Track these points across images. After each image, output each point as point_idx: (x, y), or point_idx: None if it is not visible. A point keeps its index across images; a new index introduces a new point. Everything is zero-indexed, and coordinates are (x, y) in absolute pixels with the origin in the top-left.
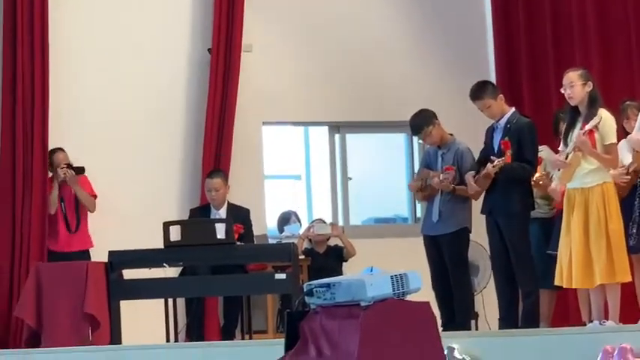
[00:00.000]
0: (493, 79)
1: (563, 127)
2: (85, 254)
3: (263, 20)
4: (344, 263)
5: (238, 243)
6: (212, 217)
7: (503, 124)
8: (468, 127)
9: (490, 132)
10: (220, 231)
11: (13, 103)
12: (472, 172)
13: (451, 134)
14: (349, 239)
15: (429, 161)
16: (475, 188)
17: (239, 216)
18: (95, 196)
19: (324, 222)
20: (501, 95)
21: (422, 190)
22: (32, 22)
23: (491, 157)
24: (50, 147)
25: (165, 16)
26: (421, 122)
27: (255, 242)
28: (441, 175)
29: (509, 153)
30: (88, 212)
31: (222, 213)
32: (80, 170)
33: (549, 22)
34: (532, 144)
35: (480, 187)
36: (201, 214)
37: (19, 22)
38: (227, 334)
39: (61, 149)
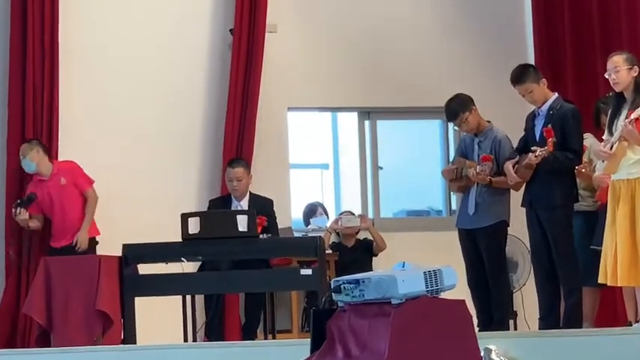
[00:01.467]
0: (532, 61)
1: (604, 118)
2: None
3: None
4: (374, 258)
5: (261, 236)
6: (233, 208)
7: (545, 111)
8: (507, 113)
9: (531, 118)
10: (242, 223)
11: (22, 86)
12: (512, 161)
13: (488, 121)
14: (380, 232)
15: (465, 149)
16: (516, 178)
17: (262, 207)
18: (92, 182)
19: (353, 214)
20: (544, 79)
21: (457, 180)
22: (43, 3)
23: (533, 147)
24: (61, 136)
25: None
26: (457, 108)
27: (280, 235)
28: (478, 166)
29: (551, 141)
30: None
31: (244, 204)
32: (30, 198)
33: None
34: (577, 132)
35: (521, 178)
36: (221, 205)
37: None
38: (248, 333)
39: (30, 142)
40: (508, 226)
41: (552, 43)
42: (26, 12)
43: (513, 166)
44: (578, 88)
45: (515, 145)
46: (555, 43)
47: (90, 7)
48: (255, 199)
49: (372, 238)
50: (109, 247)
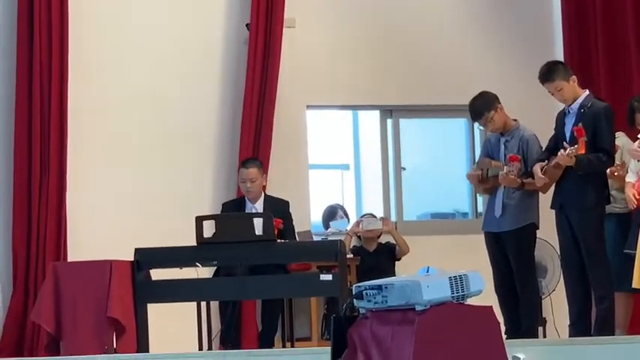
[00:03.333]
0: (561, 57)
1: (639, 117)
2: None
3: None
4: (397, 262)
5: (279, 240)
6: (247, 211)
7: (576, 109)
8: (536, 111)
9: (561, 117)
10: (258, 227)
11: (29, 88)
12: (541, 164)
13: (515, 119)
14: (403, 236)
15: (491, 150)
16: (543, 180)
17: (278, 209)
18: None
19: (375, 217)
20: (574, 77)
21: (483, 181)
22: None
23: (564, 143)
24: (70, 138)
25: None
26: (482, 106)
27: (298, 239)
28: (505, 167)
29: (583, 140)
30: None
31: (259, 206)
32: None
33: None
34: (609, 131)
35: (549, 179)
36: (235, 208)
37: None
38: (266, 341)
39: None
40: (537, 229)
41: (583, 38)
42: (33, 13)
43: (542, 169)
44: (611, 85)
45: (544, 145)
46: (586, 38)
47: (102, 4)
48: (270, 201)
49: (394, 242)
50: (121, 251)
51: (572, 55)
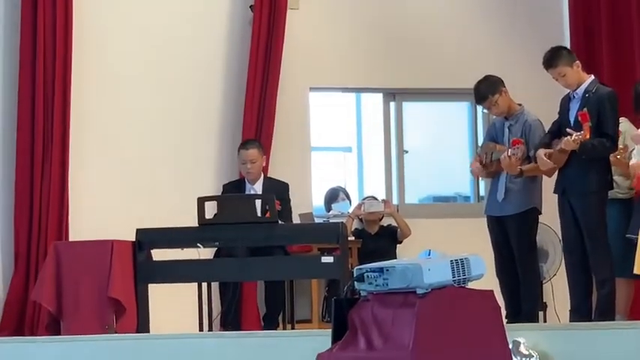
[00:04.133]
0: (567, 43)
1: None
2: None
3: None
4: (398, 245)
5: (280, 222)
6: (247, 192)
7: (580, 94)
8: (541, 96)
9: (566, 102)
10: (258, 208)
11: (32, 67)
12: (544, 150)
13: (520, 104)
14: (404, 219)
15: (495, 134)
16: (548, 165)
17: (276, 191)
18: None
19: (377, 199)
20: (578, 62)
21: (486, 166)
22: None
23: (568, 129)
24: (73, 117)
25: None
26: (486, 90)
27: (300, 221)
28: (509, 150)
29: (588, 125)
30: None
31: (258, 188)
32: None
33: None
34: (613, 117)
35: (555, 163)
36: (235, 189)
37: None
38: (271, 322)
39: None
40: (539, 213)
41: (588, 24)
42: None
43: (546, 154)
44: (615, 71)
45: (547, 129)
46: (592, 24)
47: None
48: (269, 183)
49: (396, 225)
50: (123, 231)
51: (578, 40)
